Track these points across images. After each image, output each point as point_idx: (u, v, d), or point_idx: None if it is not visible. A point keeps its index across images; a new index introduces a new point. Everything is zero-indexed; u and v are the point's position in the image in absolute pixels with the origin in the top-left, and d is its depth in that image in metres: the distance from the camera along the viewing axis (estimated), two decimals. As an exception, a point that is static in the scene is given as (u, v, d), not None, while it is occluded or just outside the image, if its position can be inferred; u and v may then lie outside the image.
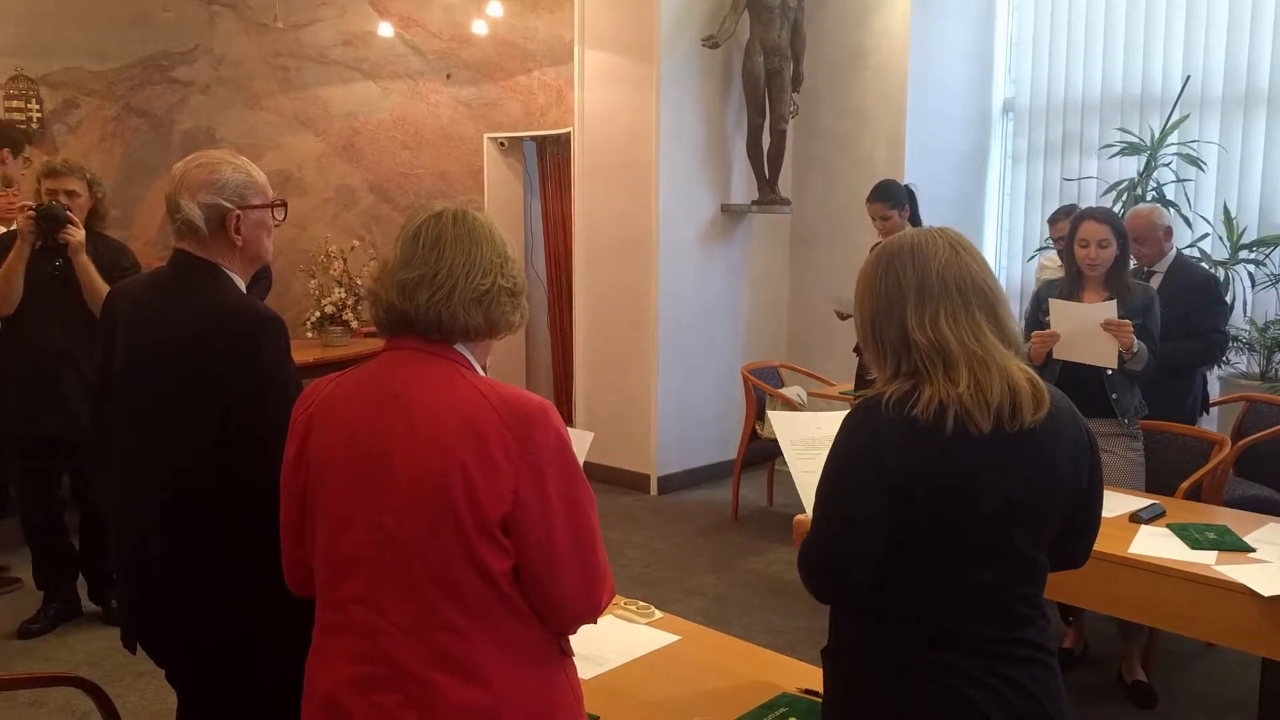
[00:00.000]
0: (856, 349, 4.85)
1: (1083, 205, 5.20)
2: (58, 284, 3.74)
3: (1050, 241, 5.18)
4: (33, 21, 6.13)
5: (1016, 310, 6.23)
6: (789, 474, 2.16)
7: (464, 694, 1.47)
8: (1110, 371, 3.47)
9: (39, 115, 6.34)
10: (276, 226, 2.13)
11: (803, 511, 1.97)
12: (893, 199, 4.70)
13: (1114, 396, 3.49)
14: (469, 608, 1.48)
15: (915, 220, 4.79)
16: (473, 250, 1.56)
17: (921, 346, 1.57)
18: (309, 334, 6.31)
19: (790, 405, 5.52)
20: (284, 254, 6.64)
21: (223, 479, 1.90)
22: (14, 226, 3.76)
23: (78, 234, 3.69)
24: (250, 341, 1.91)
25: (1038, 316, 3.63)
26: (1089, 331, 3.41)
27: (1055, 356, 3.49)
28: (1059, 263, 5.11)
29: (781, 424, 2.19)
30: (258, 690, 1.97)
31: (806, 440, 2.09)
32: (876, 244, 4.79)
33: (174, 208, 1.99)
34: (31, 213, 3.67)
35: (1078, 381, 3.43)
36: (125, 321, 2.06)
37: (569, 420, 6.35)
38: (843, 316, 4.98)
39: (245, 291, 2.06)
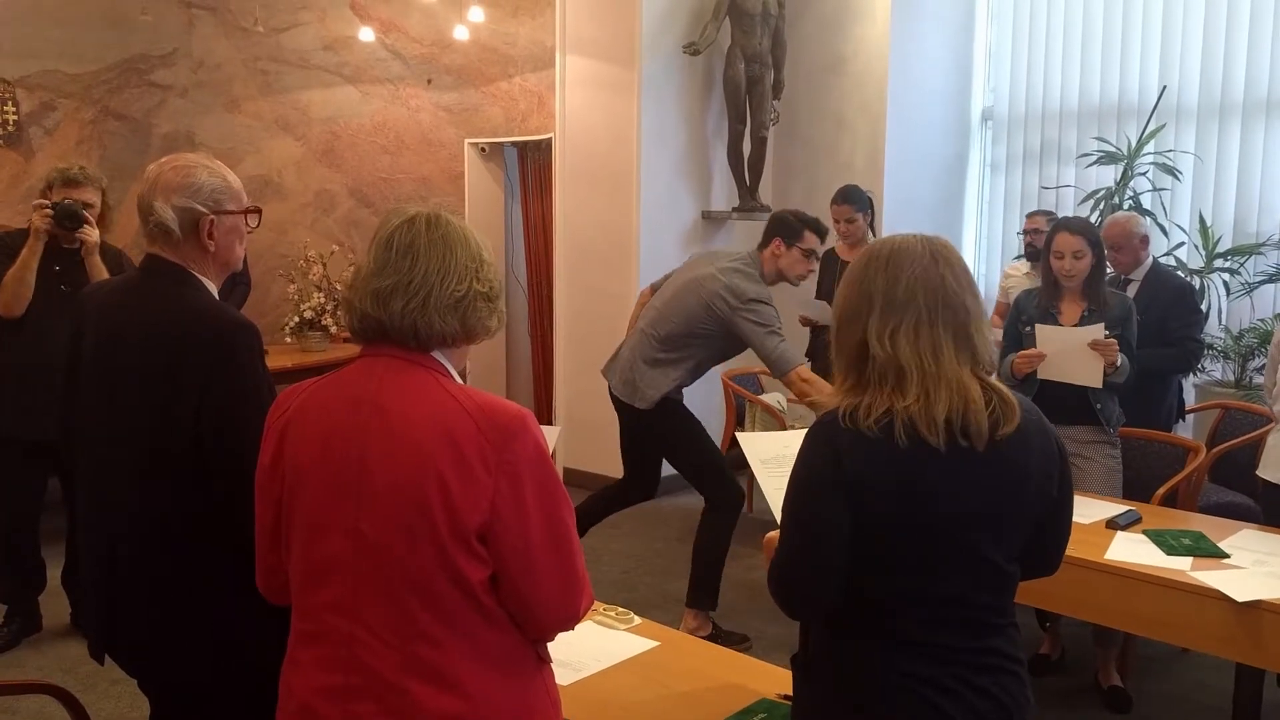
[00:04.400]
0: (809, 351, 4.85)
1: (1061, 213, 5.26)
2: (61, 288, 3.65)
3: (1020, 237, 5.32)
4: (8, 23, 6.07)
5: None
6: None
7: (440, 702, 1.46)
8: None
9: (15, 118, 6.28)
10: (249, 233, 2.10)
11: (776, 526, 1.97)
12: (859, 203, 4.81)
13: (1098, 406, 3.51)
14: (446, 617, 1.47)
15: (872, 227, 4.94)
16: (447, 256, 1.54)
17: (878, 359, 1.56)
18: (288, 339, 6.27)
19: (770, 412, 5.53)
20: (263, 259, 6.60)
21: (193, 485, 1.88)
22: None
23: (94, 234, 3.63)
24: (222, 348, 1.89)
25: (1017, 325, 3.65)
26: (1074, 352, 3.44)
27: (1040, 376, 3.51)
28: (1023, 270, 5.19)
29: (750, 444, 2.19)
30: (231, 698, 1.95)
31: (775, 459, 2.11)
32: (829, 250, 4.83)
33: (147, 210, 1.96)
34: (49, 211, 3.57)
35: (1061, 391, 3.46)
36: (94, 326, 2.02)
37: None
38: (805, 323, 5.01)
39: (218, 297, 2.04)
